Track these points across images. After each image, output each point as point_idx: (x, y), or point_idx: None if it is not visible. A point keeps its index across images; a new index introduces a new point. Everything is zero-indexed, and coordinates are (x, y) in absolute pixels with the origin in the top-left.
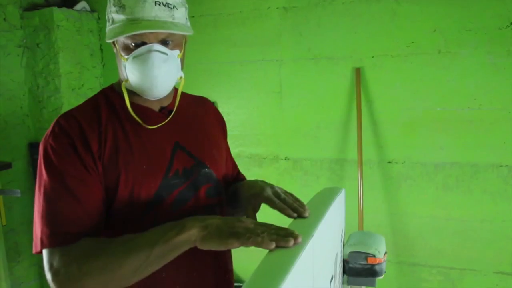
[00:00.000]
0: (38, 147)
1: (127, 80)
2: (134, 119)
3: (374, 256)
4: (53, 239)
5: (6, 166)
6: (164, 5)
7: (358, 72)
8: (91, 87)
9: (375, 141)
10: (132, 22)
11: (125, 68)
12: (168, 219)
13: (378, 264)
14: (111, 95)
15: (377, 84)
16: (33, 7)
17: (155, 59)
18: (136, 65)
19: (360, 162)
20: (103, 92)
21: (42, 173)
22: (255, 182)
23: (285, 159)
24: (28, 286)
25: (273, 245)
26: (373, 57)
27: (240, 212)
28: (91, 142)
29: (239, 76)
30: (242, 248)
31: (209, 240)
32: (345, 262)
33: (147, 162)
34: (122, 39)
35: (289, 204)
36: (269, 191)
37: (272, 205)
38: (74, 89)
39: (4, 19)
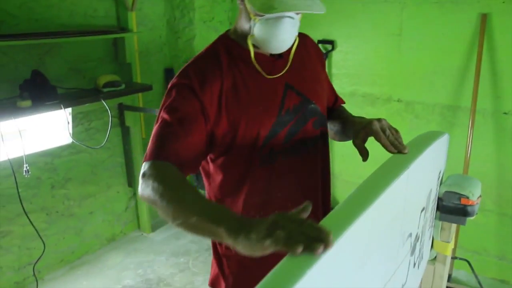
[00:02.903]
0: (173, 72)
1: (253, 35)
2: (251, 66)
3: (467, 197)
4: (151, 157)
5: (148, 88)
6: None
7: (484, 18)
8: (221, 19)
9: (493, 91)
10: None
11: (254, 25)
12: (280, 149)
13: (470, 205)
14: (229, 43)
15: (504, 32)
16: None
17: (287, 24)
18: (268, 26)
19: (474, 111)
20: (221, 41)
21: (163, 105)
22: (363, 118)
23: (398, 101)
24: None
25: (300, 250)
26: (503, 2)
27: (347, 139)
28: (212, 87)
29: (360, 16)
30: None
31: (237, 244)
32: (439, 200)
33: (264, 103)
34: (282, 13)
35: (391, 141)
36: (377, 125)
37: (378, 138)
38: (205, 22)
39: None
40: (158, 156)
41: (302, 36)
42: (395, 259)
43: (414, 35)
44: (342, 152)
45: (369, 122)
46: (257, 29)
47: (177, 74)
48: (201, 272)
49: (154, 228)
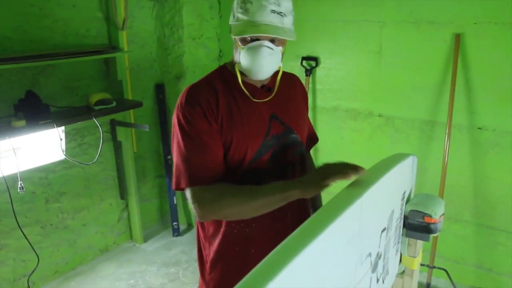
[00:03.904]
0: (164, 88)
1: (239, 63)
2: (243, 93)
3: (430, 216)
4: (194, 180)
5: (138, 104)
6: (278, 13)
7: (458, 38)
8: (209, 36)
9: (468, 106)
10: (253, 24)
11: (239, 54)
12: (264, 170)
13: (433, 223)
14: (225, 73)
15: (476, 52)
16: None
17: (264, 52)
18: (249, 54)
19: (450, 125)
20: (219, 70)
21: (180, 132)
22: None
23: (379, 116)
24: (151, 202)
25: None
26: (475, 23)
27: None
28: (213, 108)
29: (342, 35)
30: None
31: (308, 193)
32: (405, 218)
33: (253, 126)
34: (245, 36)
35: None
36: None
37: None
38: (194, 39)
39: None
40: (200, 179)
41: (291, 76)
42: (353, 277)
43: (393, 53)
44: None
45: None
46: (242, 57)
47: (183, 102)
48: (190, 282)
49: (146, 238)
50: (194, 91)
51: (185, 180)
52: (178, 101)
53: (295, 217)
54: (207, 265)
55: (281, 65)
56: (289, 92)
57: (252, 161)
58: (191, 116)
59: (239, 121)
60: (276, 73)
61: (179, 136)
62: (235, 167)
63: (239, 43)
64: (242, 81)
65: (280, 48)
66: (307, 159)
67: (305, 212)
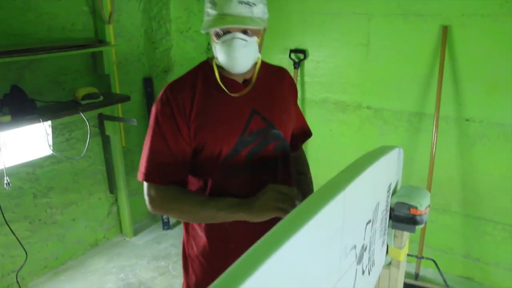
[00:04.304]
0: (152, 82)
1: (216, 58)
2: (222, 88)
3: (416, 208)
4: (150, 177)
5: (126, 98)
6: (246, 3)
7: (445, 30)
8: (197, 29)
9: (455, 98)
10: (221, 16)
11: (215, 49)
12: (241, 166)
13: (419, 215)
14: (206, 68)
15: (463, 43)
16: None
17: (236, 44)
18: (223, 48)
19: (437, 117)
20: (202, 65)
21: (151, 128)
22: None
23: (367, 108)
24: (139, 197)
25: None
26: (462, 15)
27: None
28: (186, 109)
29: (330, 27)
30: None
31: (254, 220)
32: (391, 209)
33: (229, 124)
34: (213, 28)
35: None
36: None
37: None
38: (182, 32)
39: None
40: (156, 177)
41: (279, 69)
42: (337, 270)
43: (381, 45)
44: (316, 157)
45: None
46: (217, 51)
47: (159, 98)
48: (180, 275)
49: (136, 232)
50: (172, 88)
51: (141, 174)
52: (158, 95)
53: None
54: (189, 260)
55: (259, 55)
56: (274, 86)
57: (228, 157)
58: (161, 116)
59: (214, 118)
60: (260, 66)
61: (149, 130)
62: (211, 163)
63: (214, 38)
64: (223, 76)
65: (255, 38)
66: (299, 154)
67: None
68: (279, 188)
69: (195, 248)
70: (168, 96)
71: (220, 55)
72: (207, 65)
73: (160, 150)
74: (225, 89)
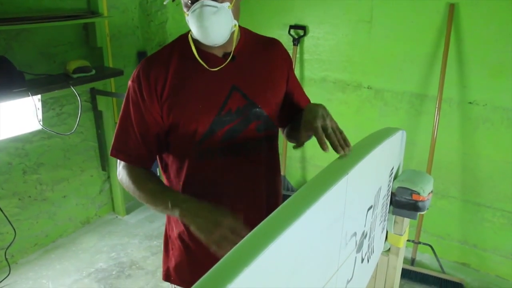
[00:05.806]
0: (146, 55)
1: (191, 31)
2: (200, 63)
3: (418, 193)
4: (117, 154)
5: (119, 73)
6: None
7: (451, 8)
8: None
9: (459, 80)
10: None
11: (188, 22)
12: (218, 147)
13: (421, 201)
14: (184, 42)
15: (470, 22)
16: None
17: (205, 12)
18: (192, 18)
19: (440, 99)
20: (180, 39)
21: (123, 105)
22: (315, 108)
23: (368, 88)
24: None
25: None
26: None
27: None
28: (158, 86)
29: (331, 3)
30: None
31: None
32: (393, 195)
33: (204, 102)
34: None
35: (332, 140)
36: (319, 123)
37: (316, 135)
38: (178, 4)
39: None
40: (122, 155)
41: (271, 41)
42: (337, 258)
43: (384, 22)
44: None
45: (314, 117)
46: (190, 24)
47: (134, 74)
48: None
49: (128, 210)
50: (146, 65)
51: (112, 150)
52: (134, 71)
53: (262, 198)
54: (170, 242)
55: (235, 23)
56: (260, 59)
57: (204, 138)
58: (134, 92)
59: (189, 95)
60: (242, 38)
61: (122, 106)
62: (186, 143)
63: (184, 10)
64: (201, 50)
65: (227, 3)
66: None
67: (276, 192)
68: (226, 222)
69: (175, 230)
70: (140, 74)
71: (192, 27)
72: (185, 39)
73: (127, 129)
74: (202, 63)
